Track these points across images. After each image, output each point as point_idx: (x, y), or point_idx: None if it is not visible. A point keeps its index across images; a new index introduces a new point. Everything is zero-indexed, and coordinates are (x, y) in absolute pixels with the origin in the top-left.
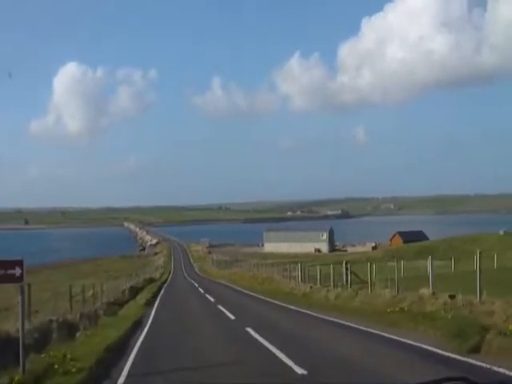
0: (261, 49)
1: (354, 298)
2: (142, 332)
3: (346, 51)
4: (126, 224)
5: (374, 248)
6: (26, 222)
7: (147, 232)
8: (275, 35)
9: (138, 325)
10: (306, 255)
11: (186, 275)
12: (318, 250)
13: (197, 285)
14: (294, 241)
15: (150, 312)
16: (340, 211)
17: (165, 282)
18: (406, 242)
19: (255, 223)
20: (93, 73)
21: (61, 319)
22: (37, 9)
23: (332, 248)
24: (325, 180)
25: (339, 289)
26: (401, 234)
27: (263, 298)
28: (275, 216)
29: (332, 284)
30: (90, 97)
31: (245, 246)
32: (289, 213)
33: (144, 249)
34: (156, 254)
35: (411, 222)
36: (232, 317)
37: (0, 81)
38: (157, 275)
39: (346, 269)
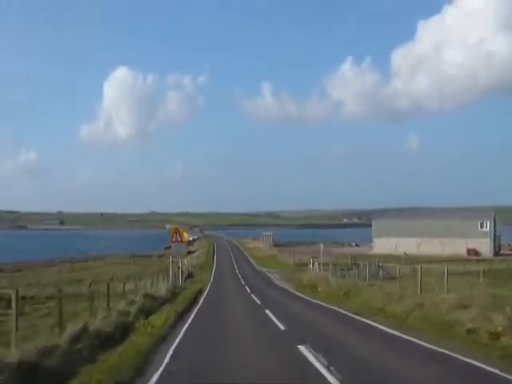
0: (312, 54)
1: None
2: None
3: (401, 56)
4: (167, 226)
5: None
6: (61, 223)
7: (186, 230)
8: (326, 39)
9: None
10: (459, 260)
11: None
12: (475, 252)
13: None
14: (428, 235)
15: None
16: None
17: None
18: None
19: (309, 229)
20: (143, 78)
21: None
22: (87, 12)
23: (497, 249)
24: (377, 189)
25: None
26: None
27: None
28: (331, 223)
29: None
30: (139, 102)
31: (332, 246)
32: (345, 220)
33: (170, 246)
34: (189, 253)
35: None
36: None
37: (49, 84)
38: None
39: None
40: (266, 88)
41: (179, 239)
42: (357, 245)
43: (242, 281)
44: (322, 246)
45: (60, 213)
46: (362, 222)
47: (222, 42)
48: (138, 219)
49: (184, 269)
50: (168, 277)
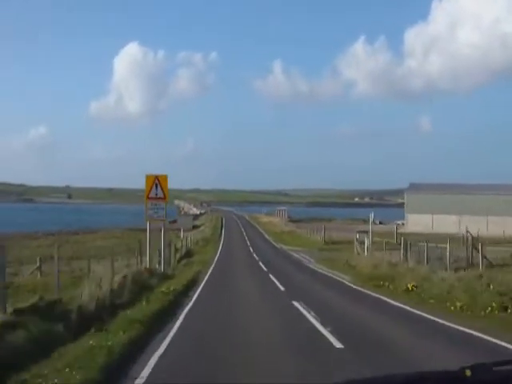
0: (324, 33)
1: None
2: None
3: (414, 35)
4: (176, 201)
5: None
6: (69, 197)
7: (194, 205)
8: (339, 18)
9: None
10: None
11: None
12: None
13: None
14: (470, 212)
15: None
16: None
17: None
18: None
19: (321, 207)
20: (153, 54)
21: None
22: None
23: None
24: (388, 169)
25: None
26: None
27: None
28: (342, 201)
29: None
30: (150, 78)
31: (353, 223)
32: (356, 199)
33: (175, 220)
34: (195, 227)
35: None
36: None
37: (58, 59)
38: None
39: None
40: (278, 66)
41: (161, 195)
42: (381, 222)
43: (261, 264)
44: (372, 215)
45: (68, 187)
46: (374, 201)
47: (234, 19)
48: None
49: (180, 245)
50: (145, 256)
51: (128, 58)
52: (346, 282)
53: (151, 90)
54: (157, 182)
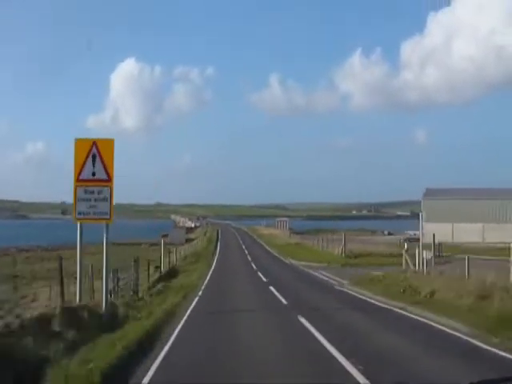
0: (321, 45)
1: None
2: None
3: (411, 48)
4: (172, 216)
5: None
6: (63, 213)
7: (190, 218)
8: (336, 31)
9: None
10: None
11: None
12: None
13: None
14: (495, 219)
15: None
16: (409, 212)
17: None
18: None
19: (319, 220)
20: (150, 70)
21: None
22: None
23: None
24: (385, 182)
25: None
26: None
27: None
28: (341, 214)
29: None
30: (147, 94)
31: (361, 235)
32: (354, 211)
33: (167, 234)
34: (189, 241)
35: None
36: None
37: (54, 77)
38: None
39: None
40: (274, 79)
41: (102, 175)
42: (390, 233)
43: (273, 289)
44: (421, 215)
45: (63, 203)
46: (372, 214)
47: (231, 33)
48: (143, 209)
49: (160, 263)
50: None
51: (125, 74)
52: (468, 338)
53: (148, 105)
54: (95, 151)
